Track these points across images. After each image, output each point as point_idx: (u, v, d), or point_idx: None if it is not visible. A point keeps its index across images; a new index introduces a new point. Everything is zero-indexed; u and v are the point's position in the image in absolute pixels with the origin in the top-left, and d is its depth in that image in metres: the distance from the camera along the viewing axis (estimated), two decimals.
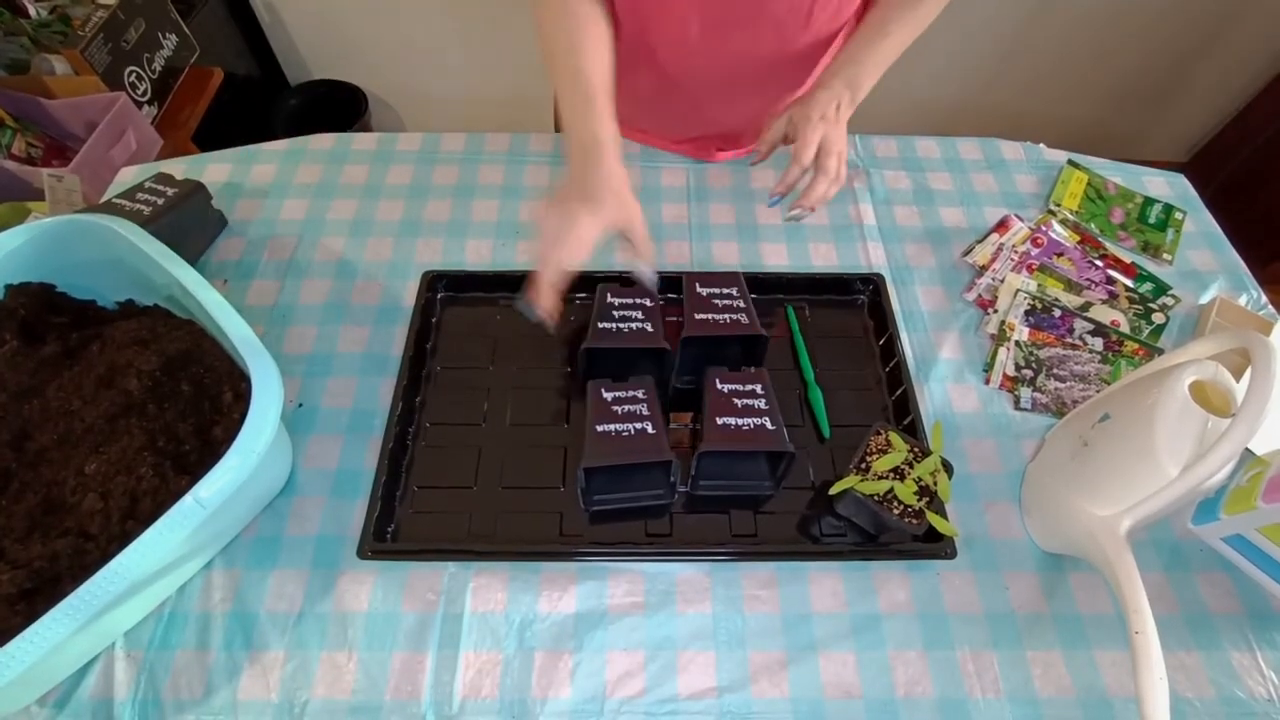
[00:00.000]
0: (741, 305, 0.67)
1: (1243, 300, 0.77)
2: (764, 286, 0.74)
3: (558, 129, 0.96)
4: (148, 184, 0.76)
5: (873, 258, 0.79)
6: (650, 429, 0.59)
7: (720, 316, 0.65)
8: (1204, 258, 0.82)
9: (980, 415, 0.68)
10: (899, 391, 0.67)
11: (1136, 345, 0.72)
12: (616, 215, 0.58)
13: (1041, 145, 0.91)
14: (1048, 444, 0.64)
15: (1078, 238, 0.81)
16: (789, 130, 0.67)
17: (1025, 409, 0.68)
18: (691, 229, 0.82)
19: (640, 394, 0.61)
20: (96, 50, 1.31)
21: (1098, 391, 0.68)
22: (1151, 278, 0.78)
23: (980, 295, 0.76)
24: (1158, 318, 0.75)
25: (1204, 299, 0.77)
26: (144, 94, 1.42)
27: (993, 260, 0.79)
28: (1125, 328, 0.74)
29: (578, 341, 0.66)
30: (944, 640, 0.56)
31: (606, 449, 0.57)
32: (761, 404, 0.60)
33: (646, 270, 0.64)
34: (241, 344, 0.52)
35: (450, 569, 0.58)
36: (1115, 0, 1.67)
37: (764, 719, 0.52)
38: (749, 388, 0.61)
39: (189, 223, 0.75)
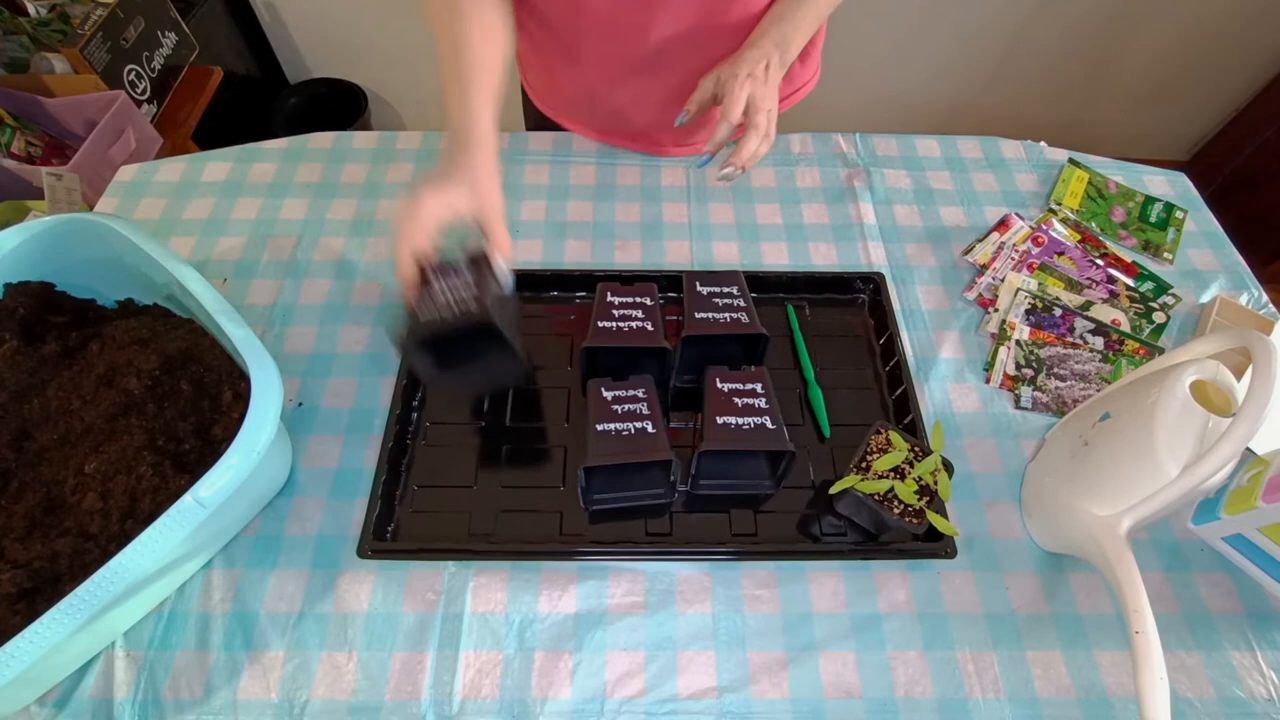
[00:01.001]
0: (741, 304, 0.66)
1: (1243, 299, 0.77)
2: (764, 286, 0.74)
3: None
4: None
5: (873, 257, 0.79)
6: (651, 428, 0.59)
7: (720, 316, 0.65)
8: (1205, 257, 0.82)
9: (980, 415, 0.68)
10: (899, 391, 0.67)
11: (1137, 344, 0.72)
12: (469, 199, 0.55)
13: (1042, 144, 0.91)
14: (1048, 443, 0.64)
15: (1078, 236, 0.81)
16: (716, 89, 0.66)
17: (1025, 408, 0.68)
18: (691, 229, 0.82)
19: (640, 393, 0.61)
20: (96, 49, 1.31)
21: (1098, 391, 0.68)
22: (1152, 276, 0.78)
23: (981, 294, 0.76)
24: (1158, 317, 0.75)
25: (1205, 298, 0.77)
26: (143, 92, 1.42)
27: (993, 259, 0.79)
28: (1126, 327, 0.74)
29: (577, 341, 0.66)
30: (944, 640, 0.56)
31: (607, 448, 0.57)
32: (761, 403, 0.60)
33: (501, 265, 0.57)
34: (241, 344, 0.52)
35: (450, 569, 0.58)
36: (1115, 0, 1.67)
37: (764, 719, 0.52)
38: (749, 387, 0.61)
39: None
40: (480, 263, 0.56)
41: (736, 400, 0.60)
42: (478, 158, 0.57)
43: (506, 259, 0.58)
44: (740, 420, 0.59)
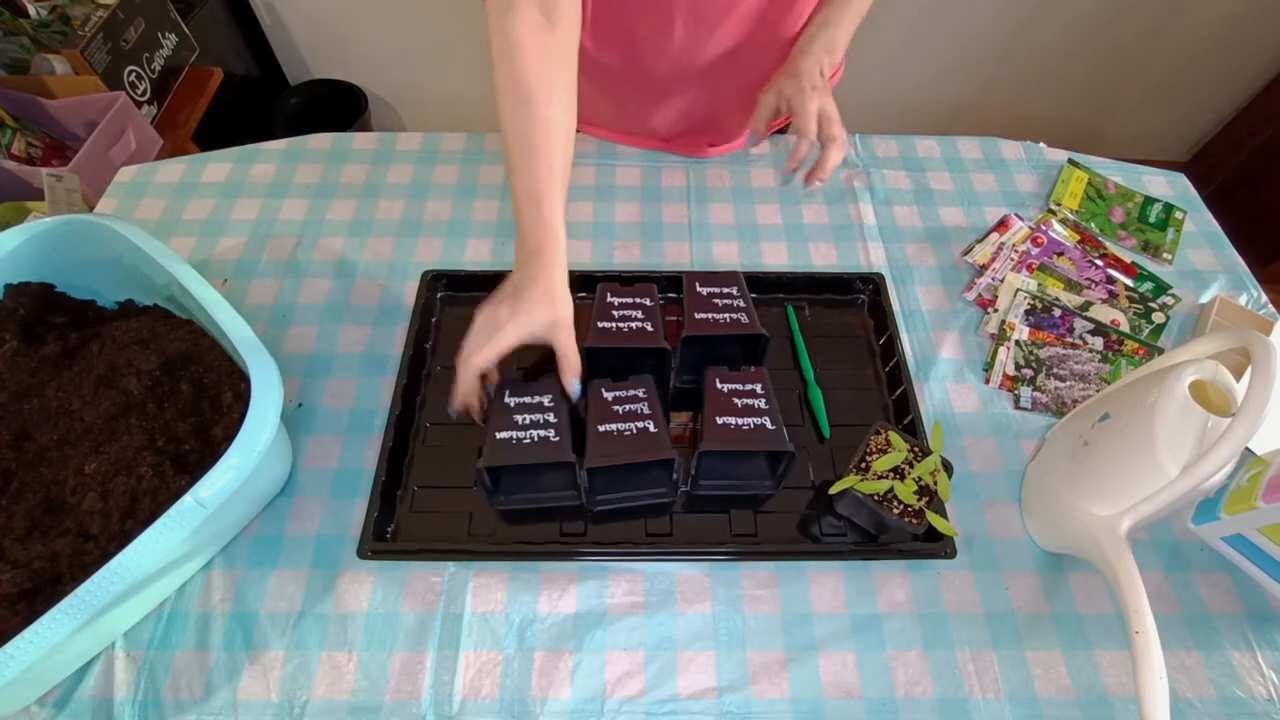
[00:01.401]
0: (741, 305, 0.66)
1: (1243, 299, 0.77)
2: (764, 286, 0.74)
3: None
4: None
5: (873, 257, 0.79)
6: (652, 427, 0.59)
7: (720, 316, 0.65)
8: (1204, 257, 0.82)
9: (980, 415, 0.68)
10: (899, 391, 0.67)
11: (1136, 344, 0.72)
12: (543, 322, 0.56)
13: (1042, 145, 0.91)
14: (1048, 444, 0.64)
15: (1078, 237, 0.81)
16: (780, 104, 0.68)
17: (1025, 408, 0.68)
18: (691, 229, 0.82)
19: (641, 393, 0.61)
20: (96, 50, 1.31)
21: (1098, 391, 0.68)
22: (1152, 277, 0.78)
23: (980, 295, 0.76)
24: (1158, 317, 0.75)
25: (1204, 298, 0.77)
26: (144, 94, 1.42)
27: (993, 260, 0.79)
28: (1125, 327, 0.74)
29: (578, 341, 0.65)
30: (944, 640, 0.56)
31: (608, 449, 0.57)
32: (761, 404, 0.60)
33: (573, 384, 0.59)
34: (241, 344, 0.52)
35: (450, 569, 0.58)
36: (1115, 0, 1.67)
37: (764, 719, 0.52)
38: (749, 387, 0.61)
39: None
40: (555, 386, 0.60)
41: (736, 400, 0.60)
42: (555, 273, 0.57)
43: (575, 376, 0.59)
44: (740, 420, 0.59)
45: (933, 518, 0.55)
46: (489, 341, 0.55)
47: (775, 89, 0.68)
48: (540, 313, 0.56)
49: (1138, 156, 0.98)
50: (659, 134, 0.88)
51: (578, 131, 0.89)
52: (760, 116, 0.69)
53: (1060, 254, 0.80)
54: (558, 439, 0.57)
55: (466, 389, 0.57)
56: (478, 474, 0.57)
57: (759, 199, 0.85)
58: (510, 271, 0.59)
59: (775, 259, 0.79)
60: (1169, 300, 0.77)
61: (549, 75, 0.58)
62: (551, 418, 0.59)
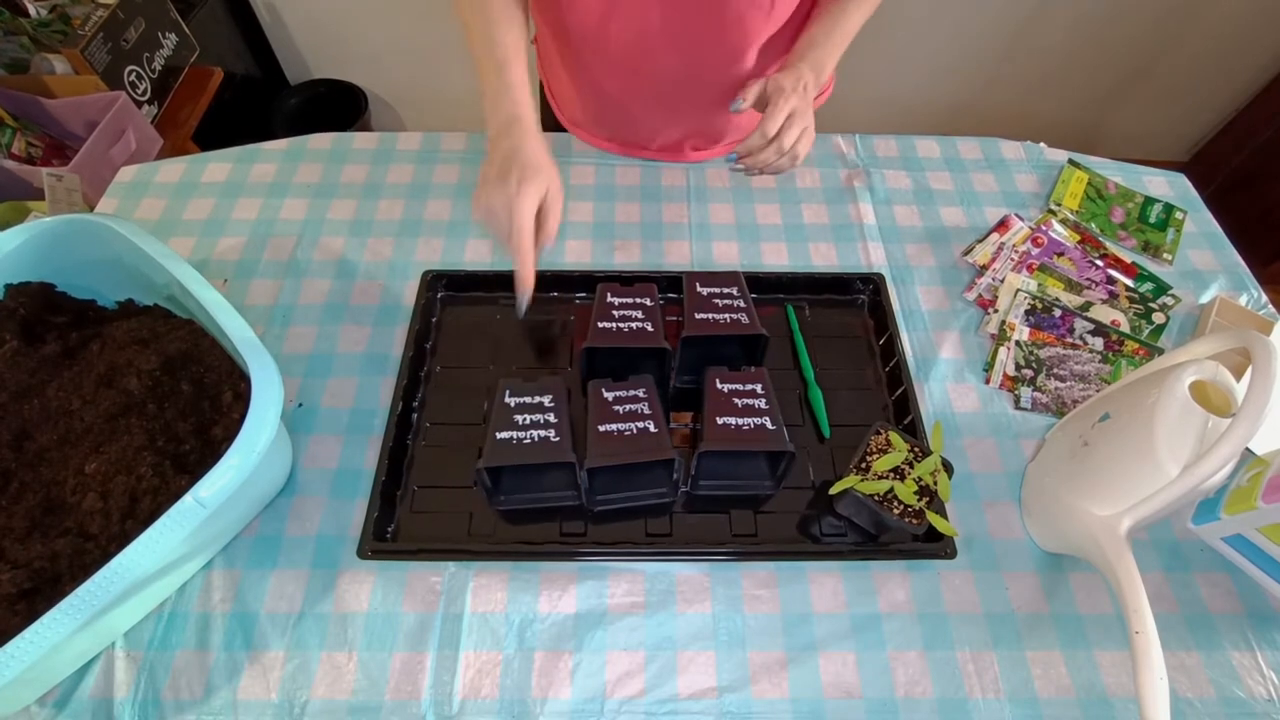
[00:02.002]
0: (741, 305, 0.67)
1: (1243, 300, 0.77)
2: (764, 286, 0.74)
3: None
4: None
5: (873, 257, 0.79)
6: (652, 427, 0.59)
7: (720, 316, 0.65)
8: (1204, 257, 0.82)
9: (980, 415, 0.68)
10: (899, 391, 0.67)
11: (1137, 345, 0.72)
12: (549, 179, 0.60)
13: (1042, 145, 0.91)
14: (1048, 444, 0.64)
15: (1078, 237, 0.81)
16: (762, 96, 0.68)
17: (1025, 409, 0.68)
18: (691, 229, 0.82)
19: (641, 393, 0.61)
20: (96, 49, 1.31)
21: (1098, 391, 0.68)
22: (1152, 277, 0.78)
23: (980, 295, 0.76)
24: (1158, 317, 0.75)
25: (1204, 298, 0.77)
26: (144, 93, 1.42)
27: (993, 260, 0.79)
28: (1125, 327, 0.74)
29: (578, 341, 0.66)
30: (944, 640, 0.56)
31: (609, 449, 0.57)
32: (761, 404, 0.60)
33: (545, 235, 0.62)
34: (241, 344, 0.52)
35: (450, 569, 0.58)
36: (1116, 0, 1.67)
37: (764, 719, 0.52)
38: (749, 387, 0.61)
39: None
40: (556, 386, 0.62)
41: (736, 400, 0.60)
42: (538, 140, 0.61)
43: (550, 240, 0.62)
44: (740, 420, 0.59)
45: (933, 518, 0.55)
46: (518, 206, 0.57)
47: (762, 82, 0.68)
48: (545, 172, 0.59)
49: (1138, 156, 0.98)
50: (644, 141, 0.87)
51: (562, 132, 0.91)
52: (752, 92, 0.68)
53: (1060, 254, 0.80)
54: (558, 439, 0.57)
55: (528, 260, 0.59)
56: (478, 474, 0.57)
57: (759, 199, 0.85)
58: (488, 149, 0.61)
59: (775, 259, 0.79)
60: (1169, 300, 0.77)
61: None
62: (552, 418, 0.59)
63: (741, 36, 0.70)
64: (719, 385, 0.61)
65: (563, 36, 0.77)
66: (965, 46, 1.78)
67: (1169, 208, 0.85)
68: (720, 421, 0.59)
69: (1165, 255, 0.81)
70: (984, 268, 0.78)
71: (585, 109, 0.87)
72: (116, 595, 0.44)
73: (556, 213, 0.61)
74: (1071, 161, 0.89)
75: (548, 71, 0.91)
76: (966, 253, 0.80)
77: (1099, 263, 0.79)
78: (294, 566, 0.58)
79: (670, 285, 0.72)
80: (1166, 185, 0.89)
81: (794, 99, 0.65)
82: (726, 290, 0.68)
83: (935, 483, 0.56)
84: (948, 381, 0.70)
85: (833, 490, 0.58)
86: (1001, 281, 0.77)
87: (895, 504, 0.56)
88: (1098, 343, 0.73)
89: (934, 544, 0.58)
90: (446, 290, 0.74)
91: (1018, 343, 0.72)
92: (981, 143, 0.91)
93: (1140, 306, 0.76)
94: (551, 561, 0.59)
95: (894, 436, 0.59)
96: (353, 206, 0.83)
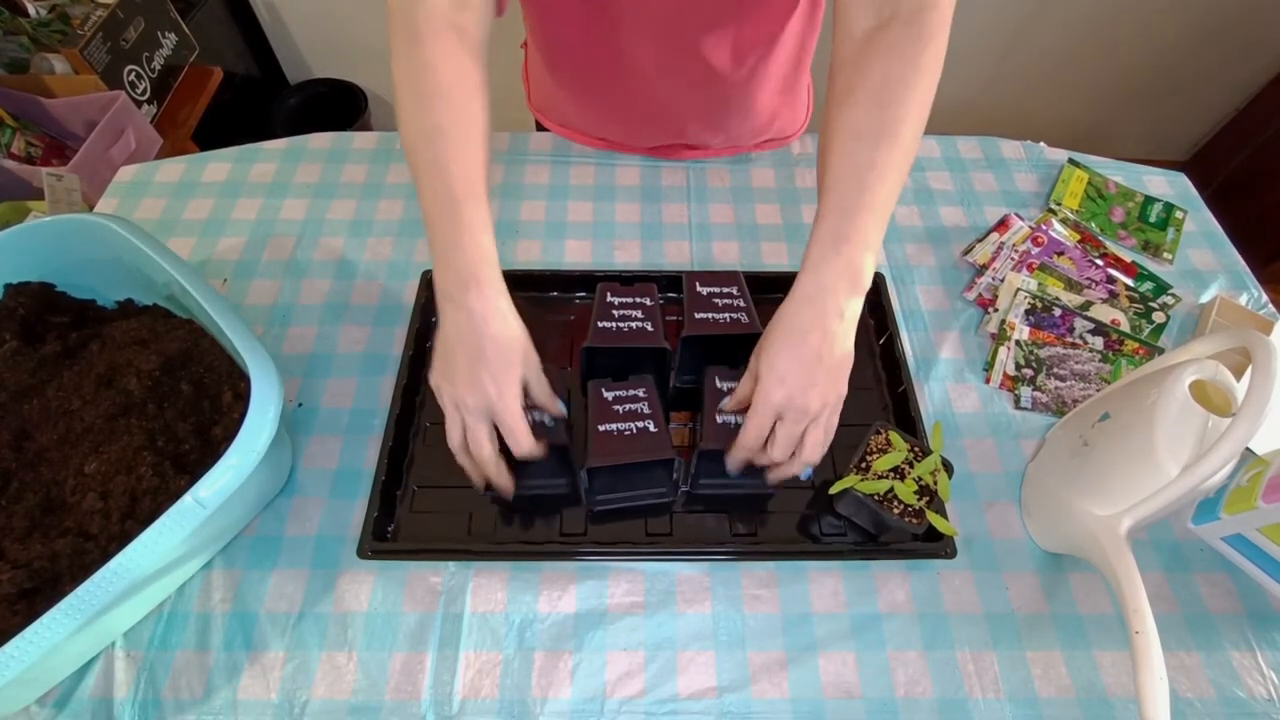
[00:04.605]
0: (741, 305, 0.66)
1: (1243, 299, 0.77)
2: (764, 286, 0.74)
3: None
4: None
5: None
6: (652, 427, 0.59)
7: (720, 316, 0.65)
8: (1204, 257, 0.82)
9: (980, 415, 0.68)
10: (899, 391, 0.67)
11: (1137, 344, 0.72)
12: (526, 363, 0.49)
13: (1042, 144, 0.91)
14: (1048, 443, 0.64)
15: (1078, 237, 0.81)
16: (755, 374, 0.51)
17: (1025, 408, 0.68)
18: (691, 229, 0.82)
19: (641, 393, 0.61)
20: (96, 49, 1.31)
21: (1098, 391, 0.68)
22: (1152, 277, 0.78)
23: (980, 294, 0.76)
24: (1158, 317, 0.75)
25: (1204, 298, 0.77)
26: (143, 93, 1.42)
27: (993, 259, 0.79)
28: (1126, 327, 0.74)
29: (577, 341, 0.65)
30: (944, 640, 0.56)
31: (609, 449, 0.57)
32: None
33: (548, 419, 0.54)
34: (241, 344, 0.52)
35: (450, 569, 0.58)
36: (1115, 0, 1.67)
37: (764, 719, 0.52)
38: None
39: None
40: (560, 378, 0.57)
41: None
42: (504, 303, 0.49)
43: (556, 413, 0.54)
44: (740, 420, 0.59)
45: (933, 518, 0.55)
46: (507, 407, 0.47)
47: (757, 358, 0.51)
48: (520, 349, 0.49)
49: (1138, 156, 0.98)
50: (634, 142, 0.87)
51: (544, 129, 0.90)
52: (737, 397, 0.54)
53: (1060, 254, 0.80)
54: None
55: (496, 473, 0.50)
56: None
57: (759, 199, 0.85)
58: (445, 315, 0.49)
59: (775, 259, 0.79)
60: (1169, 300, 0.77)
61: (465, 69, 0.51)
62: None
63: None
64: (719, 385, 0.61)
65: (545, 51, 0.76)
66: (964, 46, 1.77)
67: (1169, 207, 0.85)
68: (720, 421, 0.59)
69: (1165, 255, 0.81)
70: (984, 267, 0.78)
71: (575, 113, 0.87)
72: (116, 595, 0.44)
73: (546, 386, 0.52)
74: (1071, 161, 0.89)
75: (534, 73, 0.90)
76: (966, 252, 0.80)
77: (1099, 262, 0.79)
78: (294, 566, 0.58)
79: (670, 285, 0.72)
80: (1166, 185, 0.89)
81: (778, 398, 0.47)
82: (726, 290, 0.68)
83: (935, 482, 0.56)
84: (948, 381, 0.70)
85: (833, 490, 0.58)
86: (1001, 281, 0.77)
87: (895, 504, 0.56)
88: (1098, 342, 0.73)
89: (934, 544, 0.58)
90: None
91: (1018, 342, 0.72)
92: (981, 142, 0.91)
93: (1140, 306, 0.76)
94: (551, 561, 0.59)
95: (894, 436, 0.59)
96: (353, 206, 0.83)
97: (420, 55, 0.50)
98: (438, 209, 0.49)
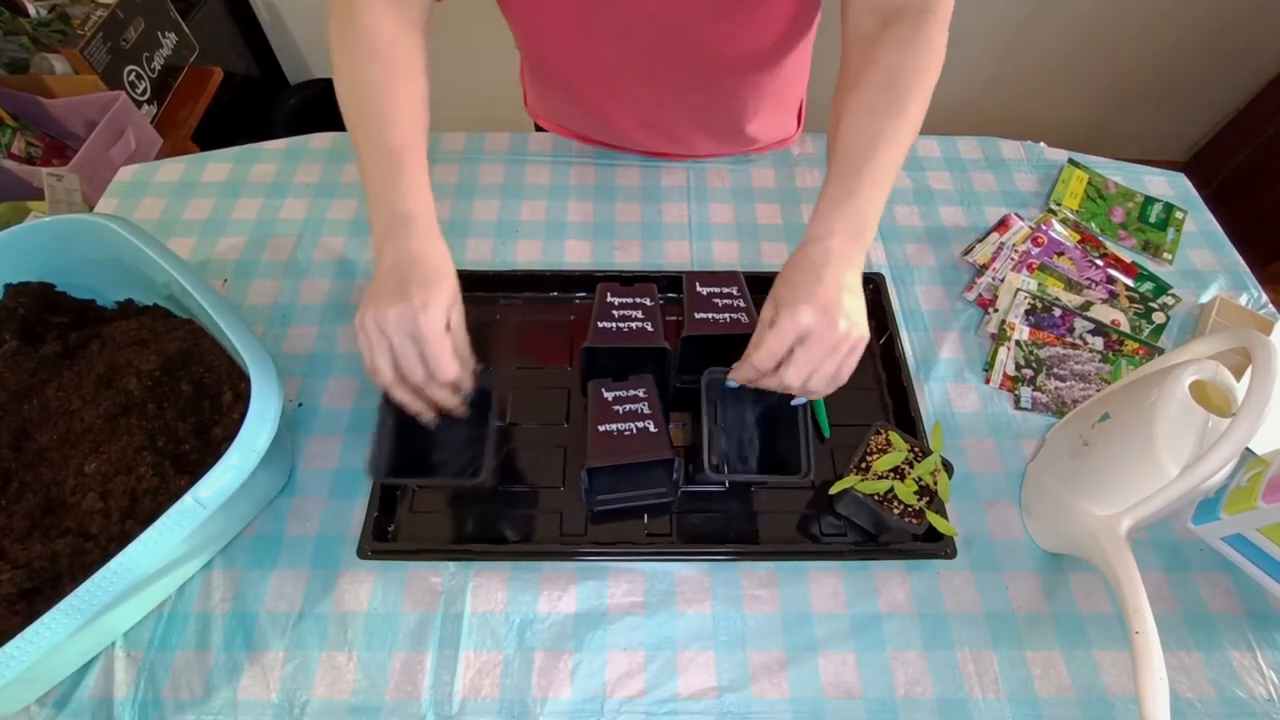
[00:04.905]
0: (741, 305, 0.66)
1: (1243, 299, 0.77)
2: (764, 286, 0.73)
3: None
4: None
5: (873, 257, 0.79)
6: (652, 427, 0.59)
7: (720, 316, 0.65)
8: (1204, 257, 0.82)
9: (980, 415, 0.68)
10: (899, 391, 0.67)
11: (1137, 344, 0.72)
12: (453, 294, 0.49)
13: (1042, 144, 0.91)
14: (1048, 444, 0.64)
15: (1078, 237, 0.81)
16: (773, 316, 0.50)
17: (1025, 408, 0.68)
18: (691, 229, 0.82)
19: (641, 393, 0.61)
20: (96, 49, 1.31)
21: (1098, 391, 0.68)
22: (1152, 277, 0.78)
23: (980, 295, 0.76)
24: (1158, 317, 0.75)
25: (1204, 298, 0.77)
26: (143, 93, 1.42)
27: (993, 259, 0.79)
28: (1126, 327, 0.74)
29: (578, 341, 0.65)
30: (944, 640, 0.56)
31: (609, 449, 0.57)
32: None
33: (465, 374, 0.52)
34: (241, 344, 0.52)
35: (450, 569, 0.58)
36: (1115, 0, 1.67)
37: (764, 719, 0.52)
38: None
39: None
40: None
41: None
42: (440, 245, 0.50)
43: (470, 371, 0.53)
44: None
45: (933, 518, 0.55)
46: (426, 341, 0.47)
47: (773, 301, 0.50)
48: (450, 280, 0.49)
49: (1138, 156, 0.98)
50: (623, 143, 0.87)
51: (545, 130, 0.90)
52: (741, 369, 0.52)
53: (1060, 254, 0.80)
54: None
55: (450, 364, 0.48)
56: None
57: (759, 199, 0.85)
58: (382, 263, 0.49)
59: (775, 259, 0.79)
60: (1169, 300, 0.77)
61: (402, 30, 0.52)
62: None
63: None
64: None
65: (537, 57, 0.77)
66: (965, 46, 1.78)
67: (1169, 207, 0.85)
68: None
69: (1165, 255, 0.81)
70: (984, 267, 0.78)
71: (569, 118, 0.87)
72: (116, 595, 0.44)
73: (464, 330, 0.51)
74: (1071, 161, 0.89)
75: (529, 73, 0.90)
76: (966, 252, 0.80)
77: (1099, 262, 0.79)
78: (294, 566, 0.58)
79: (670, 285, 0.72)
80: (1166, 185, 0.89)
81: (806, 320, 0.46)
82: (726, 290, 0.68)
83: (935, 483, 0.56)
84: (948, 381, 0.70)
85: (833, 490, 0.58)
86: (1001, 281, 0.77)
87: (895, 504, 0.56)
88: (1098, 342, 0.73)
89: (934, 544, 0.58)
90: None
91: (1018, 342, 0.72)
92: (981, 142, 0.91)
93: (1140, 306, 0.76)
94: (551, 561, 0.59)
95: (894, 436, 0.59)
96: (353, 206, 0.83)
97: (356, 18, 0.52)
98: (374, 160, 0.50)
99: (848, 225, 0.49)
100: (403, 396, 0.51)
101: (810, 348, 0.47)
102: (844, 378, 0.49)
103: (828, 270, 0.47)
